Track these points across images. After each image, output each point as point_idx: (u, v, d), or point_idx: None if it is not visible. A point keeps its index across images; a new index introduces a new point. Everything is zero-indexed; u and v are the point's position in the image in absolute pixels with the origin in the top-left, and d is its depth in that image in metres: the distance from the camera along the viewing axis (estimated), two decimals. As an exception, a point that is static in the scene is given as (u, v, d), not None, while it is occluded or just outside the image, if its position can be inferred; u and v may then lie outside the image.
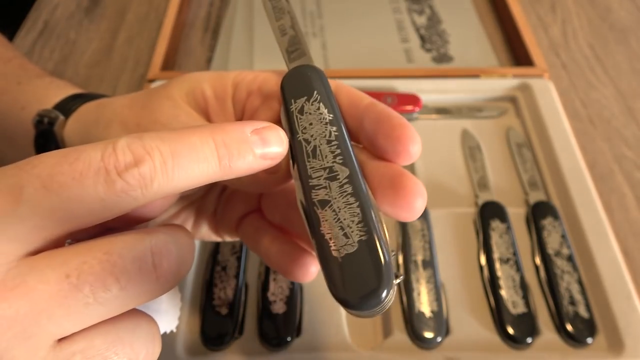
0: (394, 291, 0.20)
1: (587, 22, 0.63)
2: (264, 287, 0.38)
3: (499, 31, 0.62)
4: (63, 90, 0.34)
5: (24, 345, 0.17)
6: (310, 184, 0.21)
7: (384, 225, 0.21)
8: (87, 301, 0.17)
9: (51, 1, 0.66)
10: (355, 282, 0.19)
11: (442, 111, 0.51)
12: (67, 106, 0.32)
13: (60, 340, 0.17)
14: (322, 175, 0.21)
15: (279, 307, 0.37)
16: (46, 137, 0.31)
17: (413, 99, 0.49)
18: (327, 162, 0.22)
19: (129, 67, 0.58)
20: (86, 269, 0.17)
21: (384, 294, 0.19)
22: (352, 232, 0.20)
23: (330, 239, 0.20)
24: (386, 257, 0.20)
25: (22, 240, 0.17)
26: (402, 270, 0.39)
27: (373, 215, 0.20)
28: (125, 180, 0.18)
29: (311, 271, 0.27)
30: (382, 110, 0.23)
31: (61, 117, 0.31)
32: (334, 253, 0.20)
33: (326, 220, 0.20)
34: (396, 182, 0.21)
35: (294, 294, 0.37)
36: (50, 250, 0.18)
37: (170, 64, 0.58)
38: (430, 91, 0.51)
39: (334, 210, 0.21)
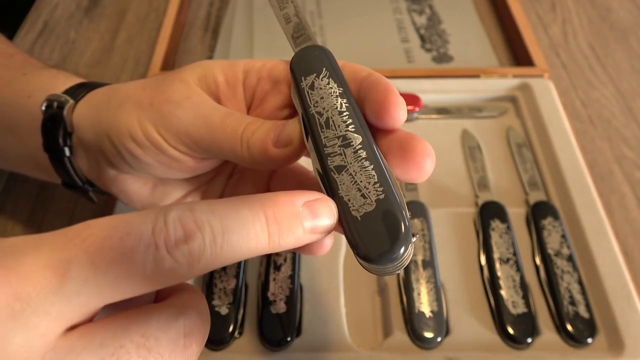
0: (412, 248, 0.21)
1: (587, 21, 0.63)
2: (264, 287, 0.37)
3: (499, 31, 0.62)
4: (70, 80, 0.34)
5: None
6: (326, 152, 0.22)
7: (399, 185, 0.22)
8: None
9: (51, 1, 0.66)
10: (375, 239, 0.20)
11: (442, 111, 0.51)
12: (76, 92, 0.32)
13: None
14: (336, 144, 0.22)
15: (279, 307, 0.37)
16: (54, 120, 0.31)
17: (413, 99, 0.49)
18: (340, 131, 0.23)
19: (129, 67, 0.58)
20: (123, 355, 0.17)
21: (402, 249, 0.20)
22: (369, 192, 0.21)
23: (349, 200, 0.21)
24: (404, 213, 0.21)
25: (64, 318, 0.17)
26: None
27: (388, 176, 0.21)
28: (174, 258, 0.17)
29: (326, 244, 0.27)
30: (373, 79, 0.24)
31: (71, 101, 0.31)
32: (354, 213, 0.21)
33: (344, 184, 0.22)
34: (405, 144, 0.22)
35: (294, 294, 0.37)
36: (87, 326, 0.17)
37: (170, 64, 0.58)
38: (431, 91, 0.51)
39: (350, 174, 0.22)
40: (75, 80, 0.34)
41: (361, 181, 0.21)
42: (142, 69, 0.57)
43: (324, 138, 0.23)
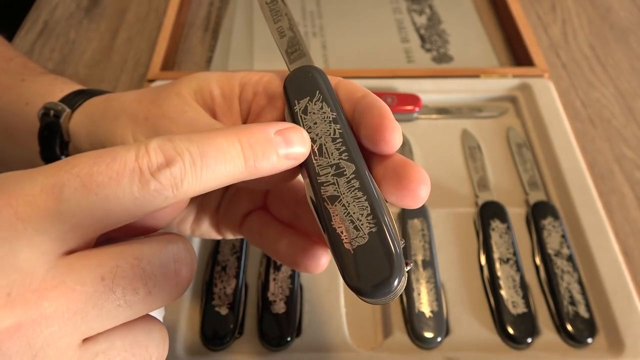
0: (405, 278, 0.21)
1: (587, 21, 0.63)
2: (264, 287, 0.37)
3: (499, 31, 0.62)
4: (68, 86, 0.34)
5: (58, 343, 0.17)
6: (319, 181, 0.22)
7: (392, 216, 0.22)
8: (118, 303, 0.18)
9: (51, 1, 0.66)
10: (368, 272, 0.20)
11: (442, 111, 0.51)
12: (73, 101, 0.32)
13: (85, 340, 0.18)
14: (329, 172, 0.22)
15: (279, 307, 0.37)
16: (51, 129, 0.31)
17: (413, 99, 0.49)
18: (334, 159, 0.22)
19: (129, 67, 0.58)
20: (119, 273, 0.18)
21: (395, 282, 0.20)
22: (362, 224, 0.21)
23: (342, 232, 0.21)
24: (396, 246, 0.21)
25: (62, 239, 0.18)
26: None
27: (381, 208, 0.21)
28: (158, 180, 0.18)
29: (322, 262, 0.28)
30: (368, 101, 0.24)
31: (67, 110, 0.31)
32: (346, 245, 0.21)
33: (337, 215, 0.21)
34: (400, 172, 0.22)
35: (294, 294, 0.37)
36: (84, 250, 0.19)
37: (170, 64, 0.58)
38: (430, 91, 0.51)
39: (343, 205, 0.22)
40: (73, 87, 0.34)
41: (354, 213, 0.21)
42: (142, 69, 0.57)
43: (317, 166, 0.23)
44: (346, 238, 0.21)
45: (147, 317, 0.20)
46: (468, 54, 0.59)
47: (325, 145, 0.23)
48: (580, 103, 0.53)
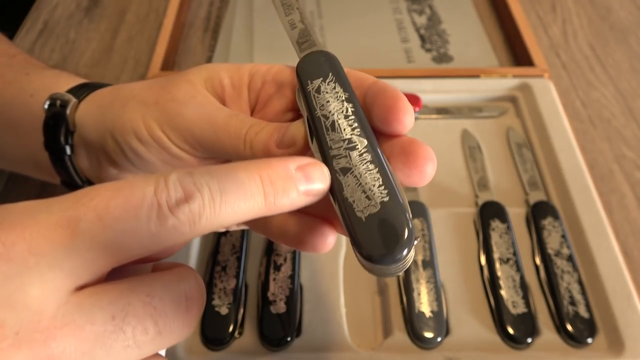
0: (414, 250, 0.21)
1: (587, 22, 0.63)
2: (264, 287, 0.37)
3: (499, 31, 0.62)
4: (72, 80, 0.34)
5: None
6: (331, 154, 0.23)
7: (402, 188, 0.22)
8: (127, 344, 0.18)
9: (51, 1, 0.66)
10: (379, 239, 0.21)
11: (442, 111, 0.51)
12: (79, 92, 0.32)
13: None
14: (341, 146, 0.23)
15: (279, 307, 0.37)
16: (57, 119, 0.31)
17: (413, 99, 0.49)
18: (346, 135, 0.23)
19: (129, 67, 0.58)
20: (130, 311, 0.18)
21: (405, 251, 0.21)
22: (374, 194, 0.21)
23: (354, 201, 0.22)
24: (407, 215, 0.21)
25: (75, 274, 0.17)
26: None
27: (393, 179, 0.22)
28: (176, 216, 0.18)
29: (329, 241, 0.27)
30: (381, 85, 0.24)
31: (74, 100, 0.31)
32: (358, 214, 0.21)
33: (348, 185, 0.22)
34: (407, 149, 0.23)
35: (294, 294, 0.37)
36: (95, 286, 0.18)
37: (170, 64, 0.58)
38: (431, 91, 0.51)
39: (355, 176, 0.22)
40: (78, 81, 0.34)
41: (366, 183, 0.22)
42: (142, 69, 0.57)
43: (330, 140, 0.23)
44: (358, 207, 0.21)
45: (155, 356, 0.20)
46: (468, 54, 0.59)
47: (337, 121, 0.23)
48: (580, 103, 0.53)
